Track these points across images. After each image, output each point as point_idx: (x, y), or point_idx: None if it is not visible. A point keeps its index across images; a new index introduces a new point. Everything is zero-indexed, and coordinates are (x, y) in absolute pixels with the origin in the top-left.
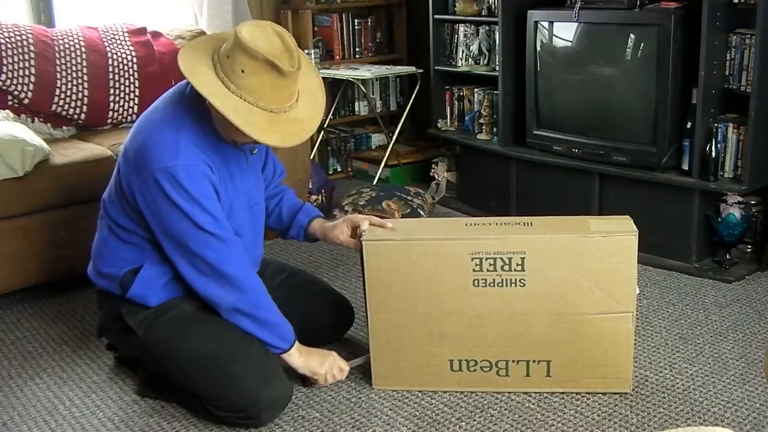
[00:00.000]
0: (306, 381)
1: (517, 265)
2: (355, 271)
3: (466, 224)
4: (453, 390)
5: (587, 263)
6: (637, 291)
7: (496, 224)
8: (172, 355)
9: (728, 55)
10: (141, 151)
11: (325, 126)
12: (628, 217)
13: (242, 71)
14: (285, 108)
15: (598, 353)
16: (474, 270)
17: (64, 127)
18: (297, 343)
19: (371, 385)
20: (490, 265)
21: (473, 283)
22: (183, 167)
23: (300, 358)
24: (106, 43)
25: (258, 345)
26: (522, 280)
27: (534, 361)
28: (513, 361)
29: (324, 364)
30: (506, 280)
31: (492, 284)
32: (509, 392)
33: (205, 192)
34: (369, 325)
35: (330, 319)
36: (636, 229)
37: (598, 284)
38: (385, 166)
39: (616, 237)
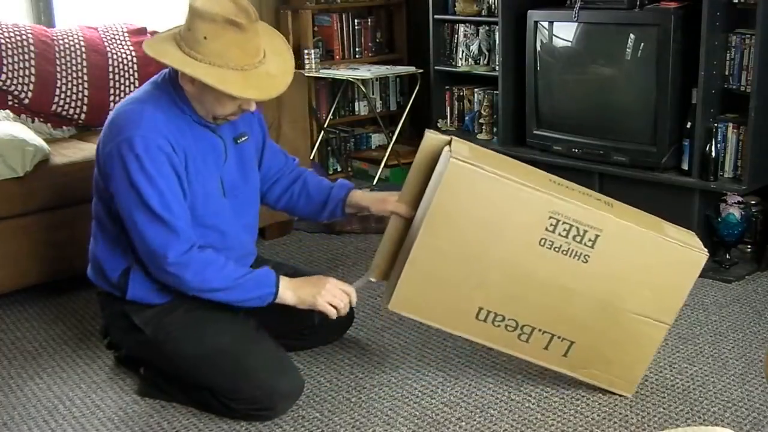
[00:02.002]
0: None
1: (590, 240)
2: (355, 271)
3: (550, 179)
4: (468, 338)
5: (654, 265)
6: None
7: (580, 192)
8: (183, 352)
9: (728, 55)
10: (106, 128)
11: (325, 126)
12: (694, 234)
13: (204, 38)
14: (255, 63)
15: (620, 351)
16: (547, 229)
17: (64, 127)
18: (285, 282)
19: (386, 306)
20: (564, 230)
21: (540, 241)
22: (141, 137)
23: (292, 294)
24: (106, 43)
25: (269, 339)
26: (586, 256)
27: (558, 338)
28: (539, 330)
29: (318, 295)
30: (572, 250)
31: (557, 249)
32: (521, 358)
33: (160, 168)
34: (414, 243)
35: (327, 317)
36: (705, 249)
37: (653, 288)
38: (385, 166)
39: (691, 251)
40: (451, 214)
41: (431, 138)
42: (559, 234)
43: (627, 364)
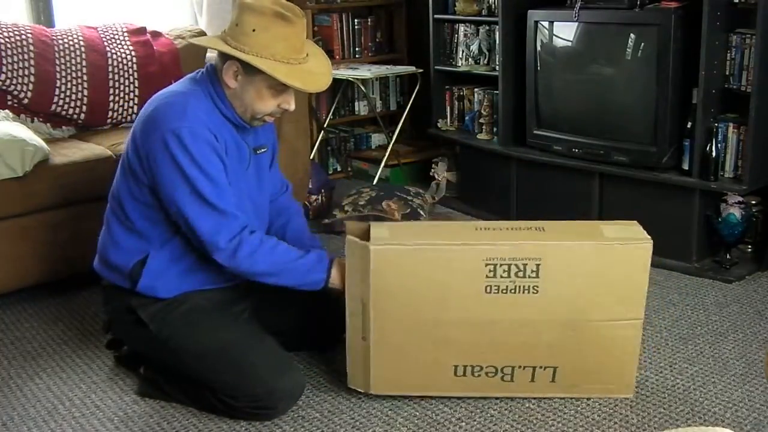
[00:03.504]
0: None
1: (532, 271)
2: None
3: (476, 228)
4: (455, 395)
5: (602, 271)
6: None
7: (508, 229)
8: (187, 348)
9: (728, 54)
10: (150, 117)
11: (325, 126)
12: (635, 222)
13: (253, 30)
14: (299, 59)
15: (604, 360)
16: (487, 276)
17: (63, 127)
18: (337, 266)
19: (368, 391)
20: (504, 271)
21: (485, 289)
22: (188, 128)
23: (340, 280)
24: (105, 43)
25: (271, 339)
26: (535, 287)
27: (540, 367)
28: (519, 367)
29: None
30: (519, 286)
31: (505, 291)
32: (509, 397)
33: (208, 157)
34: (371, 330)
35: (326, 318)
36: (649, 236)
37: (610, 292)
38: (385, 166)
39: (633, 245)
40: (392, 293)
41: (351, 232)
42: (501, 276)
43: (616, 369)
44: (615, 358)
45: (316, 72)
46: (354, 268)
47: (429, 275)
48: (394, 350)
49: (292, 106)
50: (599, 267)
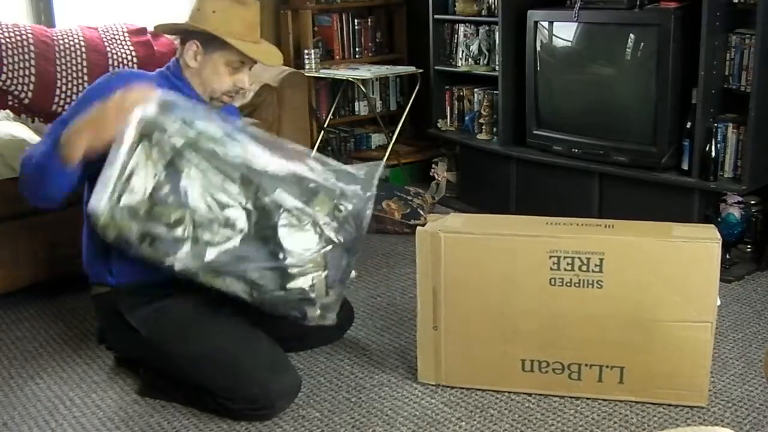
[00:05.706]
0: None
1: (596, 266)
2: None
3: (546, 223)
4: (523, 391)
5: (667, 268)
6: (718, 302)
7: (577, 224)
8: (179, 352)
9: (728, 55)
10: None
11: (325, 126)
12: (712, 226)
13: (213, 12)
14: (254, 39)
15: (673, 362)
16: (551, 268)
17: None
18: (62, 136)
19: (439, 383)
20: (567, 264)
21: (550, 281)
22: (117, 79)
23: (84, 130)
24: (106, 43)
25: (266, 338)
26: (599, 282)
27: (607, 367)
28: (586, 365)
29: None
30: (583, 280)
31: (569, 284)
32: (578, 397)
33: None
34: (442, 319)
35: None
36: (720, 236)
37: (677, 291)
38: (385, 166)
39: (698, 243)
40: (461, 281)
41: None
42: (564, 269)
43: (687, 374)
44: (686, 362)
45: (269, 51)
46: (425, 258)
47: (495, 265)
48: (464, 340)
49: (246, 85)
50: (663, 264)
